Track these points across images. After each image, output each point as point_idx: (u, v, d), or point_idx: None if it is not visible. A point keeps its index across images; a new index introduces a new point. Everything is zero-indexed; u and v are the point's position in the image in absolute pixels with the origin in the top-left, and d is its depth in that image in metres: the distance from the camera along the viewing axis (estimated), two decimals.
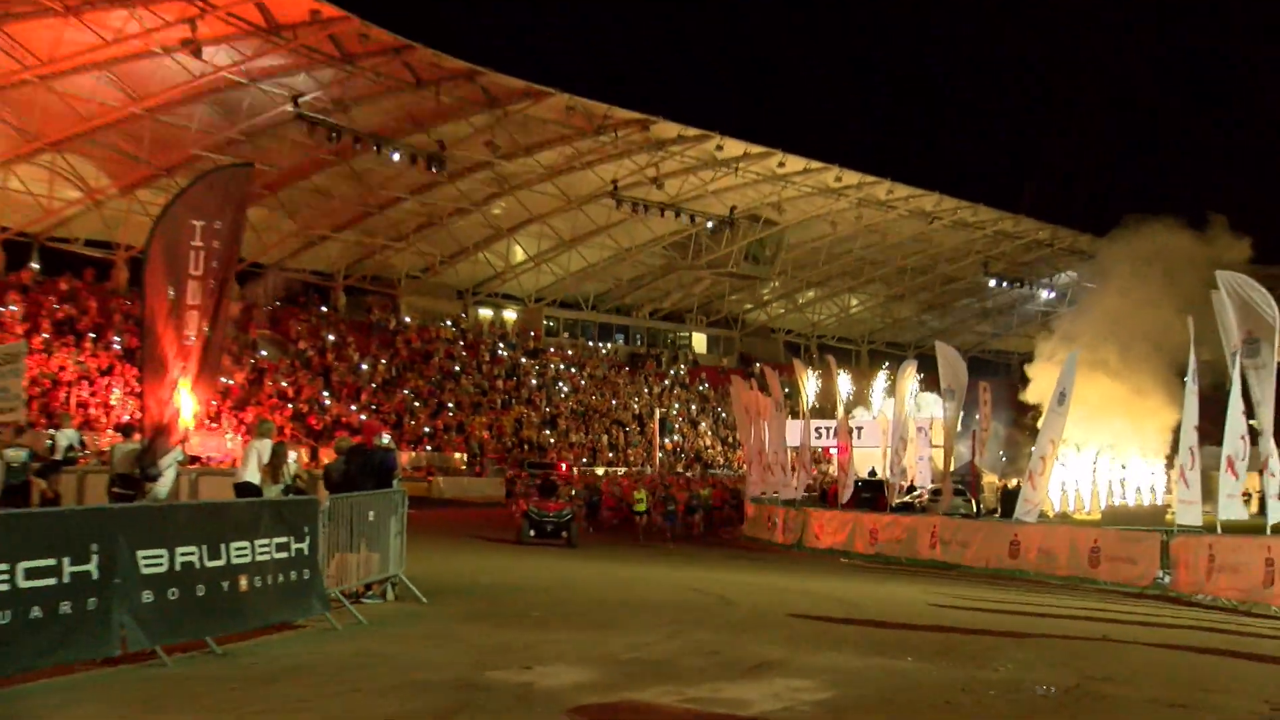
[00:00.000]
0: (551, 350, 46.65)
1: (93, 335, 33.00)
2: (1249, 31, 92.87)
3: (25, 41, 27.81)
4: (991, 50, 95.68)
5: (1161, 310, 31.61)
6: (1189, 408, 18.71)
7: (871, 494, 27.32)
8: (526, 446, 37.90)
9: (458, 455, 35.12)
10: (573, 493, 27.92)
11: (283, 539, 10.17)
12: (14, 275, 33.55)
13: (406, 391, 38.91)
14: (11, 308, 31.52)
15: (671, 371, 48.71)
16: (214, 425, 28.19)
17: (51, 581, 7.94)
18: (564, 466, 36.01)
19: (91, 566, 8.25)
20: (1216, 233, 35.04)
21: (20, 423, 18.34)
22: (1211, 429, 18.34)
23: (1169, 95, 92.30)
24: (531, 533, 21.92)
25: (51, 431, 19.48)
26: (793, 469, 26.82)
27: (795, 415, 31.02)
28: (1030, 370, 35.82)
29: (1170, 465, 30.46)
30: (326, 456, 19.56)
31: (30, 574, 7.75)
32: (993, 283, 47.65)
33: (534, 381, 43.11)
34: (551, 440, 39.52)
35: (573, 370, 44.81)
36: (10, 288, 32.67)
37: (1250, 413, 16.93)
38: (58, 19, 26.92)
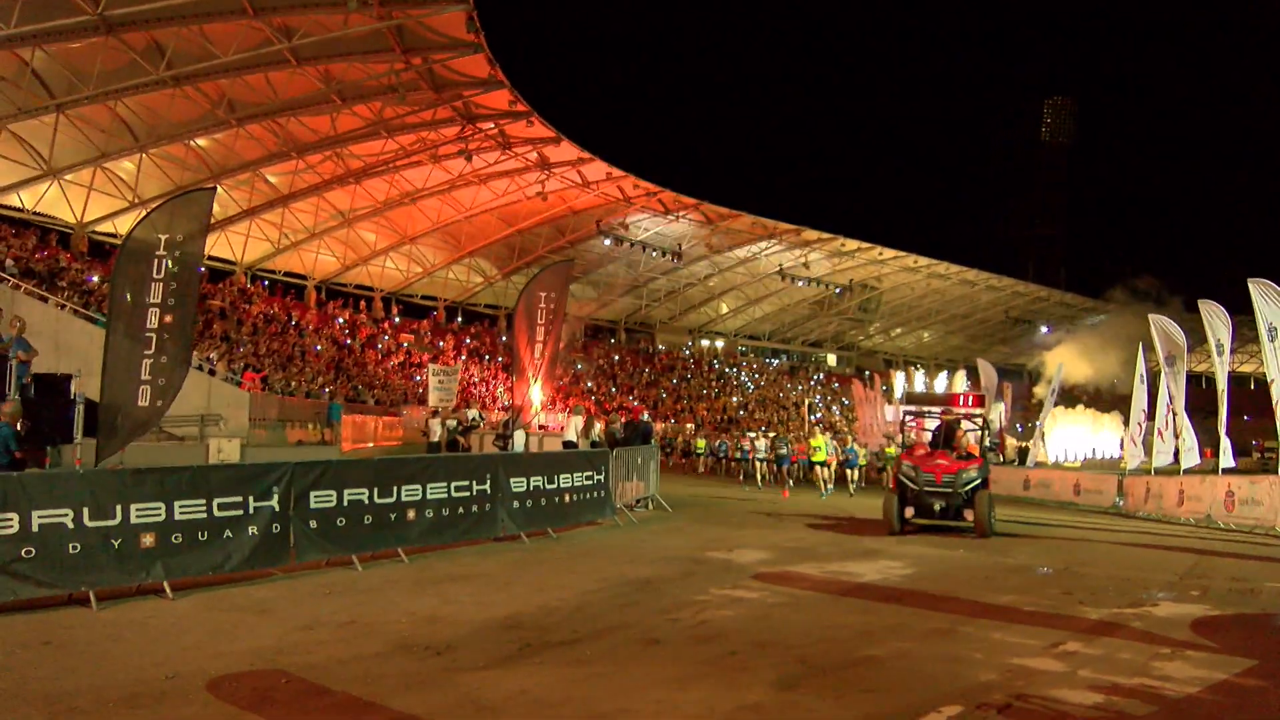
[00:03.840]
0: (743, 364, 60.12)
1: (487, 356, 45.60)
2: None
3: (460, 198, 41.08)
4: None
5: (1117, 341, 43.67)
6: (1137, 397, 24.43)
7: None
8: (729, 419, 47.67)
9: (689, 426, 43.41)
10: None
11: (589, 473, 13.93)
12: (450, 325, 48.22)
13: (660, 389, 51.03)
14: (449, 343, 45.31)
15: (814, 377, 64.88)
16: (552, 408, 35.87)
17: (467, 494, 11.60)
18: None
19: (487, 486, 11.85)
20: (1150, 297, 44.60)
21: (453, 406, 26.29)
22: (1150, 411, 23.28)
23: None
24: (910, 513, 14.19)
25: (467, 411, 25.98)
26: (887, 436, 35.56)
27: (889, 402, 44.05)
28: (1039, 383, 48.56)
29: (1125, 433, 32.58)
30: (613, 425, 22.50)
31: (458, 489, 11.50)
32: (1012, 323, 65.81)
33: (733, 383, 55.85)
34: (742, 415, 49.37)
35: (756, 376, 58.32)
36: (448, 332, 46.65)
37: (1170, 400, 21.73)
38: (477, 187, 40.19)
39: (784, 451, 27.71)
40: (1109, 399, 48.42)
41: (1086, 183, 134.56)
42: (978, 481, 14.08)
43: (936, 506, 13.95)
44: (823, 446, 25.00)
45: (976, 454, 14.65)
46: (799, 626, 7.80)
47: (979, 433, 16.08)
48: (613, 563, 10.97)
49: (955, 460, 14.41)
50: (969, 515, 13.83)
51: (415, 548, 11.02)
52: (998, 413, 38.17)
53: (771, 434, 31.87)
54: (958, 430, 15.45)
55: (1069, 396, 46.54)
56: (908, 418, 18.96)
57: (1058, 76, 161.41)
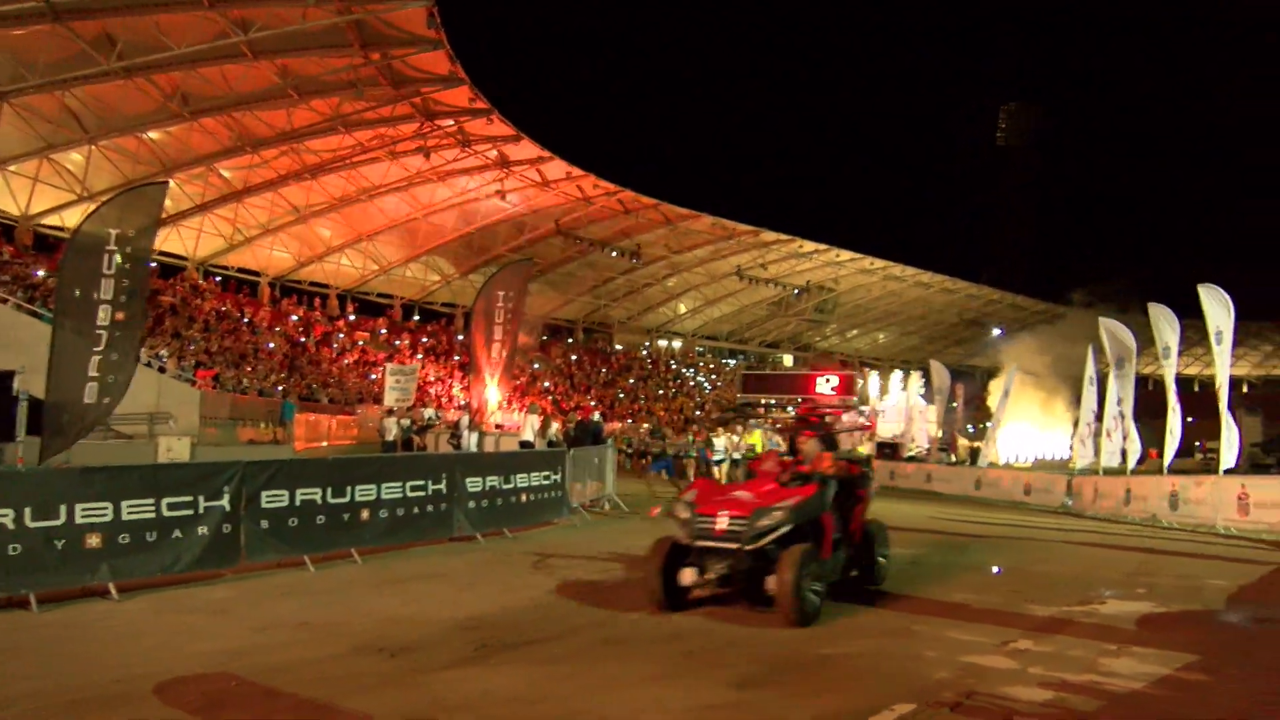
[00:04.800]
0: (700, 365, 60.66)
1: (443, 355, 45.10)
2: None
3: (418, 195, 40.72)
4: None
5: (1068, 343, 42.64)
6: (1087, 398, 24.74)
7: (891, 451, 36.15)
8: (686, 420, 47.10)
9: (645, 426, 41.84)
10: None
11: (546, 472, 14.00)
12: (407, 323, 47.41)
13: (617, 389, 51.21)
14: (405, 342, 44.95)
15: None
16: (508, 407, 34.56)
17: (423, 494, 11.64)
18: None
19: (443, 486, 11.88)
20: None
21: (409, 406, 25.87)
22: (1099, 412, 23.45)
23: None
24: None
25: (423, 410, 26.64)
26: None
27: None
28: (992, 384, 48.21)
29: (1074, 434, 32.73)
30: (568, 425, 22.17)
31: (414, 489, 11.50)
32: (966, 324, 66.54)
33: (690, 383, 56.45)
34: (699, 415, 48.65)
35: (713, 377, 59.35)
36: (405, 330, 46.11)
37: (1119, 401, 22.05)
38: (435, 184, 39.78)
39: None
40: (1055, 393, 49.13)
41: (1043, 186, 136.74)
42: (786, 529, 8.10)
43: (712, 571, 8.14)
44: (758, 444, 23.97)
45: (824, 470, 8.99)
46: (756, 626, 7.84)
47: (850, 437, 11.49)
48: (568, 557, 11.02)
49: (775, 488, 8.62)
50: (770, 585, 7.83)
51: (370, 548, 10.94)
52: (924, 414, 38.13)
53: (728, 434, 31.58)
54: (802, 435, 9.60)
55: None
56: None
57: (1016, 81, 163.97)
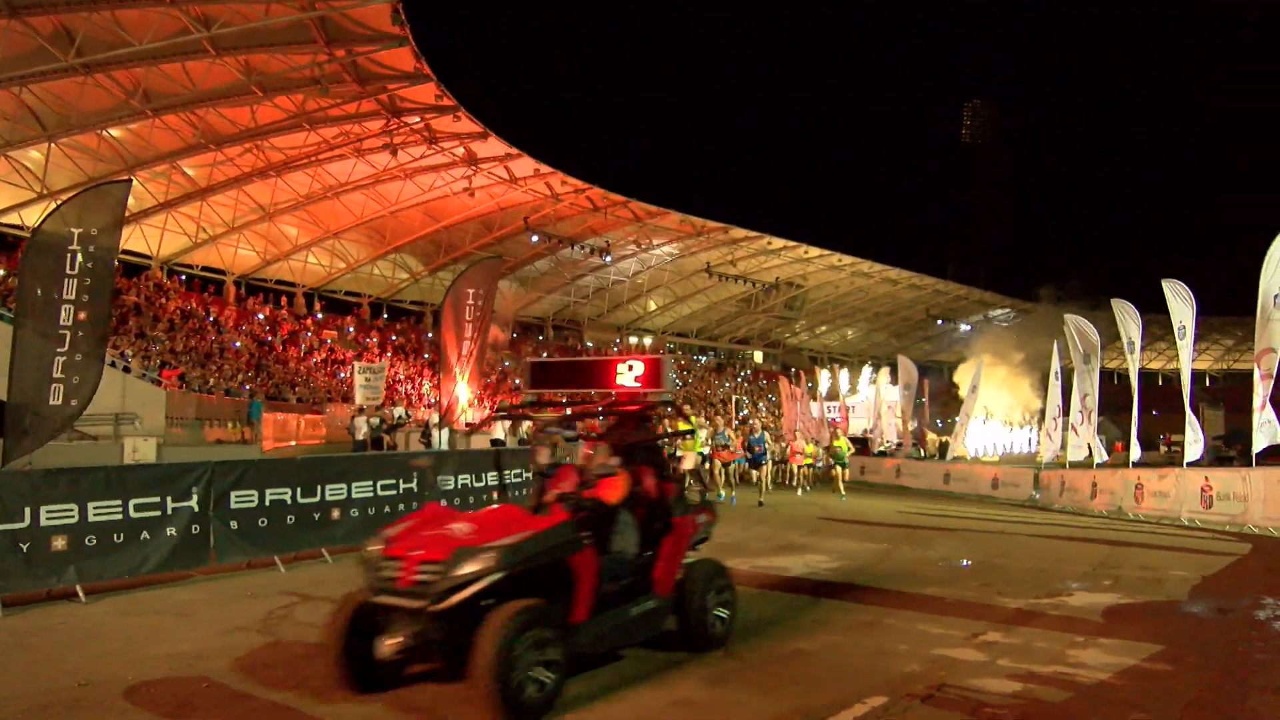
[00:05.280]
0: (670, 361, 61.67)
1: (413, 353, 44.71)
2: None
3: (385, 193, 40.29)
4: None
5: (1032, 339, 45.71)
6: (1052, 393, 25.00)
7: (860, 446, 35.74)
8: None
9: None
10: None
11: (518, 470, 13.95)
12: (375, 322, 47.23)
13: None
14: (374, 339, 44.65)
15: (741, 374, 65.60)
16: (477, 405, 32.65)
17: (394, 493, 11.58)
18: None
19: (414, 484, 12.01)
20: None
21: (379, 404, 26.16)
22: (1065, 406, 23.77)
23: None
24: None
25: (393, 409, 26.42)
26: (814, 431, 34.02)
27: (815, 399, 43.15)
28: (957, 374, 50.21)
29: (1040, 428, 34.52)
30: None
31: (384, 488, 11.51)
32: (933, 320, 66.90)
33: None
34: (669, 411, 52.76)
35: (685, 373, 59.28)
36: (374, 329, 45.79)
37: (1084, 396, 22.26)
38: (402, 182, 39.29)
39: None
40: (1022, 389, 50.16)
41: (1009, 183, 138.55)
42: (495, 578, 5.58)
43: (388, 643, 5.60)
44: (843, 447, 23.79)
45: (606, 492, 6.75)
46: None
47: (651, 448, 7.98)
48: None
49: (518, 518, 6.17)
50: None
51: (341, 548, 10.88)
52: (893, 409, 38.13)
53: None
54: (590, 442, 7.60)
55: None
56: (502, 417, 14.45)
57: (986, 77, 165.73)
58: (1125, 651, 6.93)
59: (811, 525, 15.42)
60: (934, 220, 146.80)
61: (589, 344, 58.04)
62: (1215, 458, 29.87)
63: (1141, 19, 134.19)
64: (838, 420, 41.09)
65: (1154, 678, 6.34)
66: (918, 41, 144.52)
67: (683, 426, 13.14)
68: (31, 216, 31.16)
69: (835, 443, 24.92)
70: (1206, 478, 17.21)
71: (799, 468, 25.37)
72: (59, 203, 10.89)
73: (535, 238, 46.24)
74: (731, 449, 22.14)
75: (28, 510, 8.13)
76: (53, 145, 30.24)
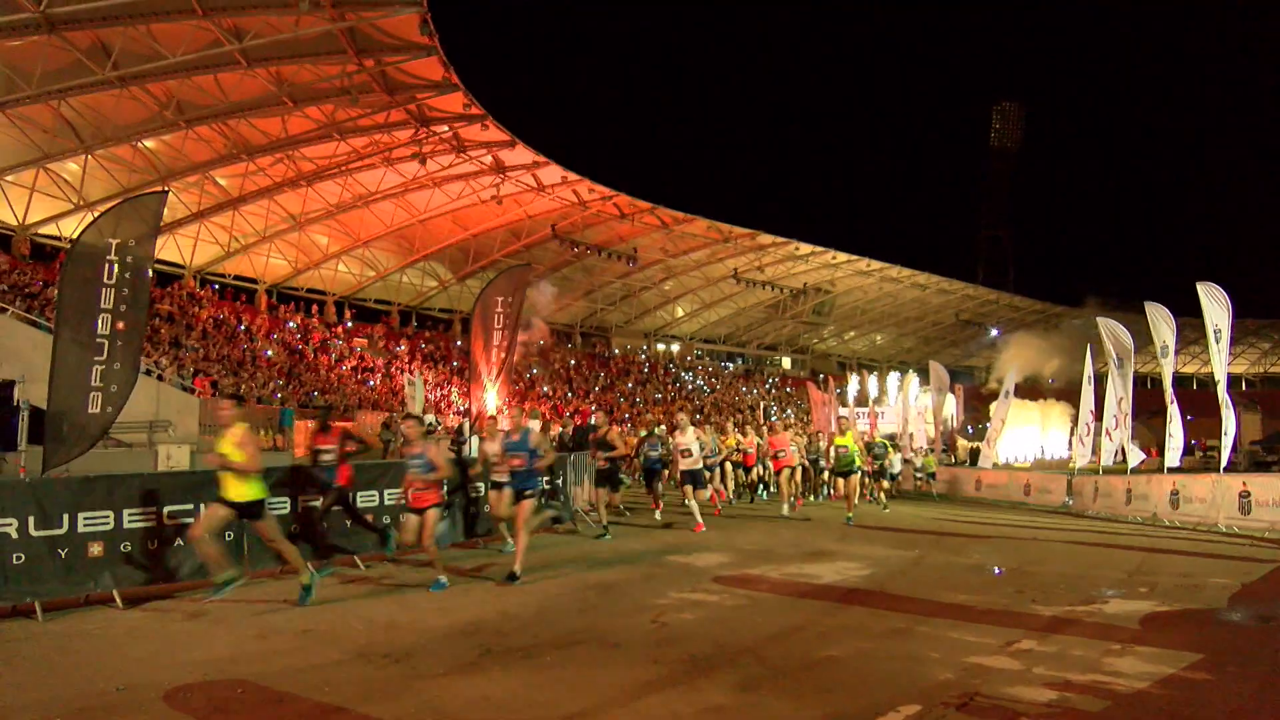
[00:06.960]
0: (699, 368, 60.57)
1: (442, 361, 45.23)
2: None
3: (414, 202, 40.87)
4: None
5: (1064, 344, 45.71)
6: (1085, 398, 24.41)
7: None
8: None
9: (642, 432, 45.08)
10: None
11: (546, 477, 13.79)
12: (405, 330, 47.71)
13: (617, 393, 51.17)
14: (404, 347, 45.34)
15: (769, 380, 65.15)
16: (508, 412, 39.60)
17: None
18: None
19: (444, 491, 10.75)
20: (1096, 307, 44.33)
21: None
22: (1098, 411, 23.43)
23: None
24: None
25: (422, 416, 24.14)
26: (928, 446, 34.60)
27: (844, 404, 42.06)
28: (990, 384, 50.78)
29: (1073, 434, 32.44)
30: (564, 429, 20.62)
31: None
32: (962, 325, 66.86)
33: (689, 386, 56.31)
34: (698, 419, 48.87)
35: (712, 379, 59.81)
36: (404, 336, 46.41)
37: (1119, 400, 21.94)
38: (431, 190, 39.93)
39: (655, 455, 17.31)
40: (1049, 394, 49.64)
41: (1035, 187, 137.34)
42: None
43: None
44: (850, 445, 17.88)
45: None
46: (759, 629, 7.81)
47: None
48: (572, 567, 10.99)
49: None
50: None
51: (372, 555, 10.92)
52: (923, 415, 37.47)
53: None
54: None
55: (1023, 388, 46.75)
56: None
57: (1014, 81, 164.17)
58: (1164, 660, 6.79)
59: (840, 532, 15.28)
60: (963, 224, 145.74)
61: (616, 351, 58.31)
62: (1253, 462, 29.35)
63: (1171, 20, 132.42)
64: (845, 416, 40.82)
65: (1194, 687, 6.22)
66: (945, 43, 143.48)
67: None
68: (69, 227, 31.70)
69: (838, 442, 17.92)
70: (1245, 483, 16.85)
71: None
72: (97, 214, 11.09)
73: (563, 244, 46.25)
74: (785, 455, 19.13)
75: (66, 517, 8.24)
76: (89, 157, 30.81)
